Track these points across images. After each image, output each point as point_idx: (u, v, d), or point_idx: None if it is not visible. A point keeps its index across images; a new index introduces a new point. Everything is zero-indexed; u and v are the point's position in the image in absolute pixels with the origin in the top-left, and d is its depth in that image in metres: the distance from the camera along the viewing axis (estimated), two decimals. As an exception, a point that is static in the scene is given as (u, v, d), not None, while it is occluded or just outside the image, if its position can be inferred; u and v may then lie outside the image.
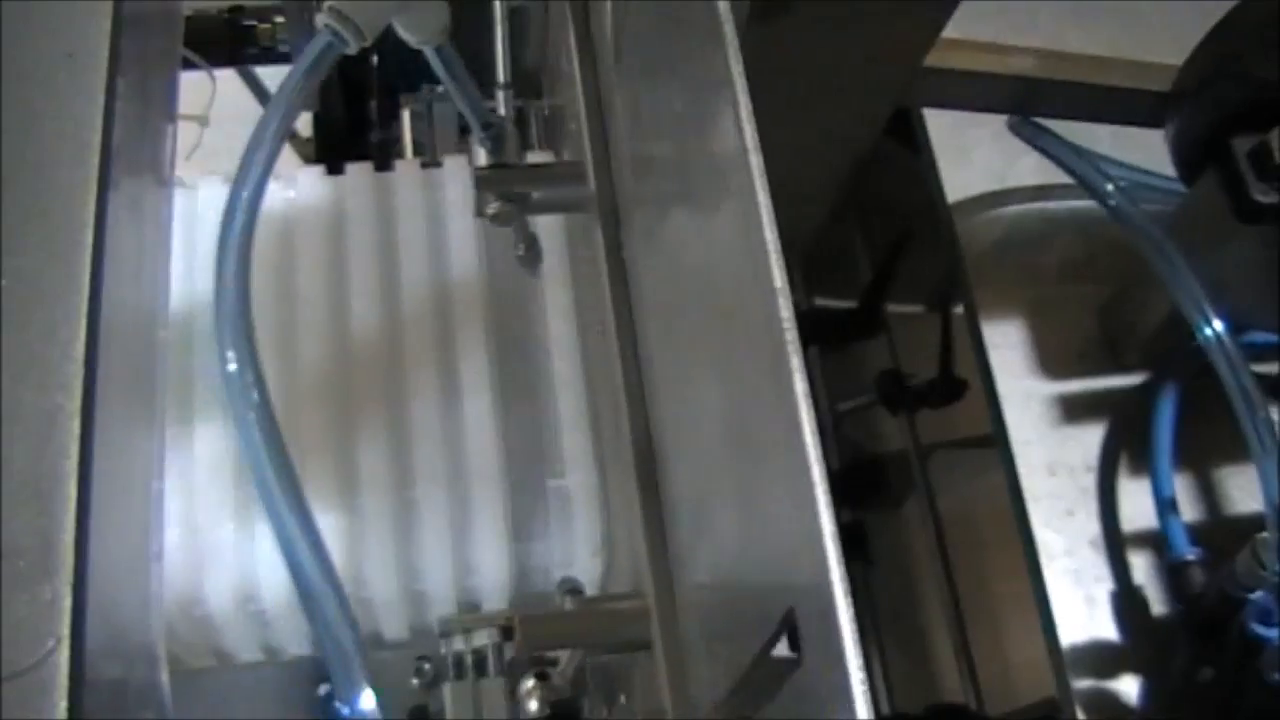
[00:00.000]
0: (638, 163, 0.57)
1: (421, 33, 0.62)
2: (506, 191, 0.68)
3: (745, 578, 0.44)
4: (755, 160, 0.38)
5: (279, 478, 0.50)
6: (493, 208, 0.69)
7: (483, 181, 0.69)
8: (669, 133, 0.50)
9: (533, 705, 0.57)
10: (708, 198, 0.44)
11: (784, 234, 0.37)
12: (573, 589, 0.63)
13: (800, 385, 0.36)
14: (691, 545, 0.52)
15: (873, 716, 0.33)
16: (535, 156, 0.84)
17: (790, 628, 0.38)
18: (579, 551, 0.76)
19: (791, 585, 0.38)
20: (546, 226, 0.80)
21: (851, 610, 0.34)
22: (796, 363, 0.36)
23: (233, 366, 0.51)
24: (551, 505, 0.76)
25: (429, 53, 0.65)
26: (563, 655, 0.62)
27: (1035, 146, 0.83)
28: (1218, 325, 0.67)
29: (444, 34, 0.63)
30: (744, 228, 0.38)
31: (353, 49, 0.56)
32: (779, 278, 0.36)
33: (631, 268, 0.60)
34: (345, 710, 0.49)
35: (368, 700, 0.48)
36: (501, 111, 0.78)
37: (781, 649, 0.39)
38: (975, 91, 0.81)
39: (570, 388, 0.77)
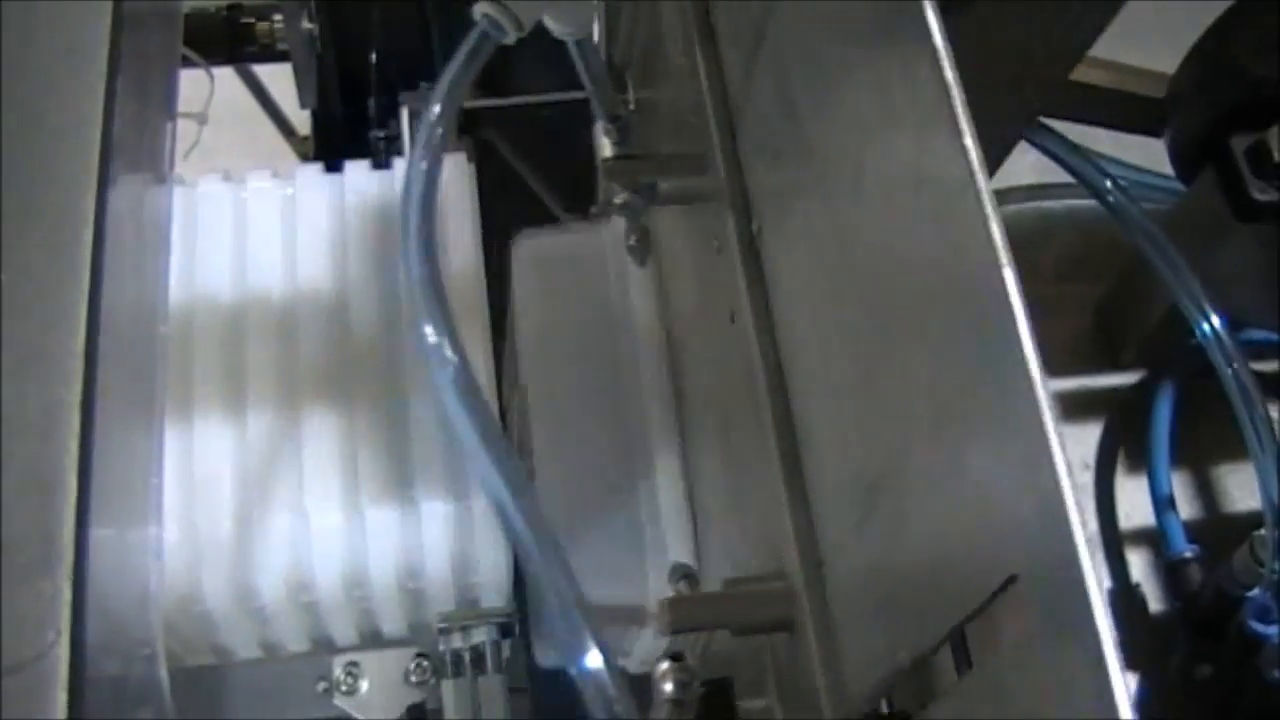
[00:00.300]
0: (786, 154, 0.57)
1: (571, 25, 0.63)
2: (633, 182, 0.69)
3: (940, 554, 0.44)
4: (970, 143, 0.39)
5: (487, 444, 0.50)
6: (620, 198, 0.69)
7: (610, 172, 0.70)
8: (838, 121, 0.50)
9: (668, 687, 0.57)
10: (900, 182, 0.44)
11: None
12: (686, 574, 0.64)
13: (1034, 357, 0.36)
14: (853, 526, 0.52)
15: (1125, 685, 0.33)
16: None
17: (1013, 594, 0.38)
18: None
19: (1014, 557, 0.38)
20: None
21: (1096, 576, 0.34)
22: (1027, 333, 0.36)
23: (431, 339, 0.52)
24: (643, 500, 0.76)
25: (570, 44, 0.66)
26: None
27: (1033, 143, 0.83)
28: (1216, 322, 0.67)
29: (591, 25, 0.64)
30: (955, 208, 0.39)
31: (510, 39, 0.57)
32: (1004, 253, 0.37)
33: (766, 255, 0.61)
34: (572, 670, 0.48)
35: (594, 659, 0.48)
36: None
37: (1000, 619, 0.39)
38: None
39: (656, 389, 0.78)
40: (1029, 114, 0.72)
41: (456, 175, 0.86)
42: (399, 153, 0.97)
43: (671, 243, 0.80)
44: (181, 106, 0.78)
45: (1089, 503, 0.74)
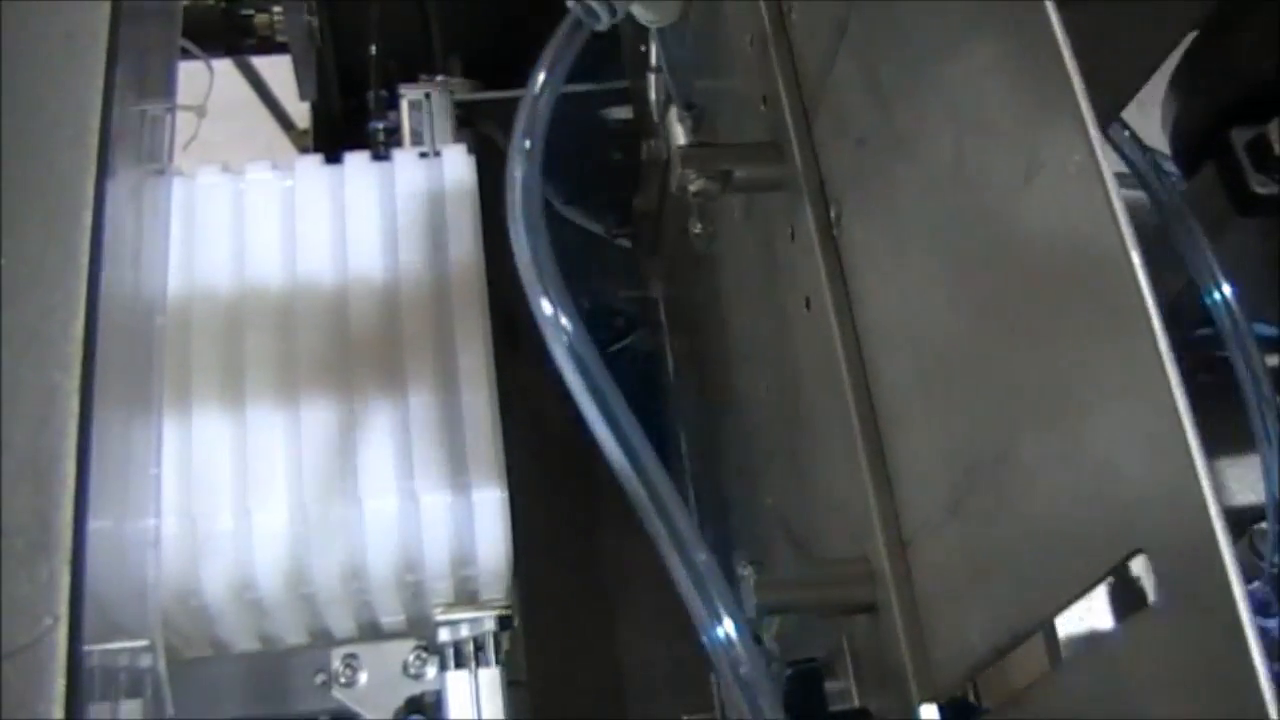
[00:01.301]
0: (872, 141, 0.58)
1: (659, 14, 0.64)
2: (709, 170, 0.69)
3: (1054, 533, 0.44)
4: (1094, 131, 0.39)
5: (607, 411, 0.51)
6: (696, 185, 0.70)
7: (686, 160, 0.70)
8: (936, 109, 0.51)
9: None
10: (1011, 169, 0.45)
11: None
12: (754, 560, 0.64)
13: (1162, 336, 0.37)
14: (947, 509, 0.52)
15: (1269, 664, 0.33)
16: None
17: (1137, 568, 0.38)
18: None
19: (1140, 532, 0.38)
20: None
21: (1234, 551, 0.34)
22: (1155, 312, 0.37)
23: (548, 310, 0.54)
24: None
25: (654, 31, 0.67)
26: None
27: None
28: (1228, 291, 0.66)
29: (677, 13, 0.65)
30: (1077, 195, 0.40)
31: (603, 25, 0.59)
32: (1130, 235, 0.38)
33: (843, 241, 0.61)
34: (705, 640, 0.49)
35: (729, 628, 0.48)
36: (652, 96, 0.82)
37: (1119, 592, 0.39)
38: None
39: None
40: (1116, 109, 0.73)
41: (457, 168, 0.86)
42: (398, 144, 0.97)
43: (733, 234, 0.81)
44: (180, 99, 0.78)
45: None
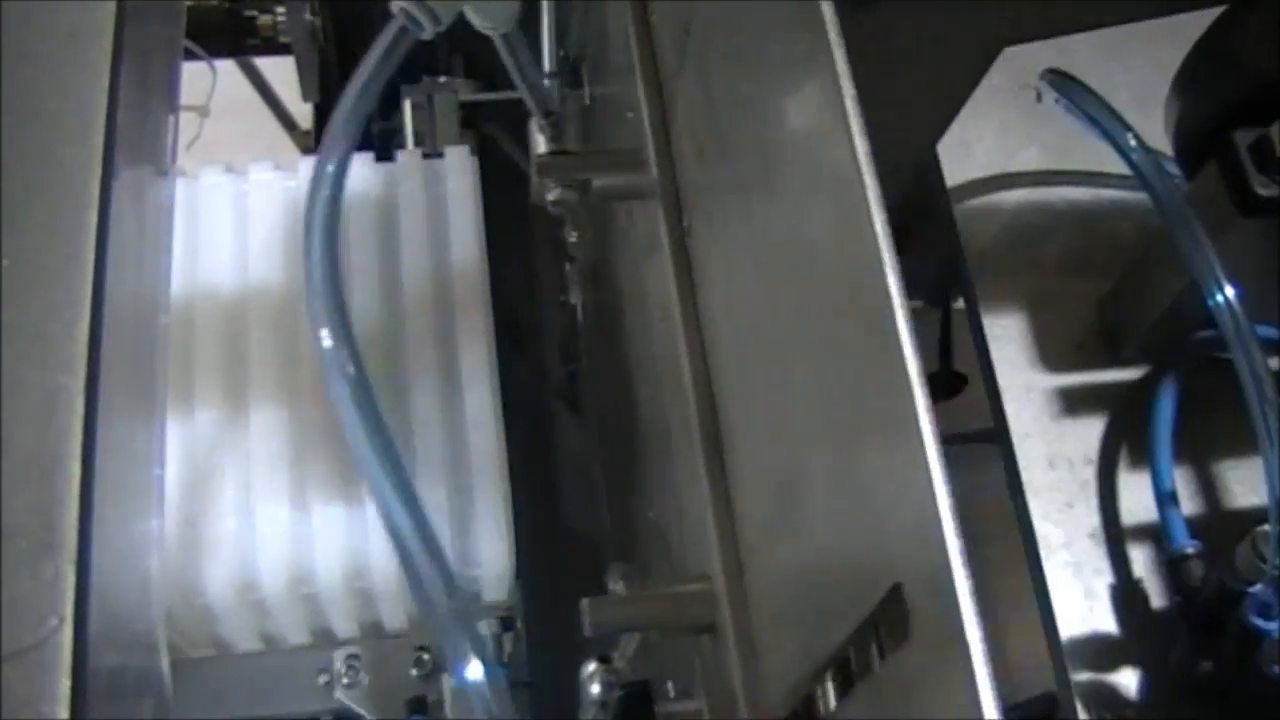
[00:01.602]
0: (708, 151, 0.57)
1: (493, 19, 0.63)
2: (567, 178, 0.68)
3: (839, 558, 0.44)
4: (861, 145, 0.38)
5: (377, 451, 0.50)
6: (554, 194, 0.69)
7: (544, 168, 0.69)
8: (750, 120, 0.50)
9: (595, 689, 0.58)
10: (798, 181, 0.44)
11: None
12: (625, 574, 0.64)
13: (913, 362, 0.36)
14: (769, 529, 0.51)
15: (995, 688, 0.33)
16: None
17: (898, 602, 0.38)
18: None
19: (898, 562, 0.38)
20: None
21: (971, 584, 0.34)
22: (907, 337, 0.36)
23: (327, 343, 0.51)
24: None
25: (496, 39, 0.65)
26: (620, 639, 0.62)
27: (1059, 96, 0.81)
28: (1231, 294, 0.66)
29: (513, 21, 0.63)
30: (846, 210, 0.39)
31: (428, 34, 0.56)
32: (888, 256, 0.37)
33: (695, 254, 0.61)
34: (452, 680, 0.49)
35: (475, 670, 0.48)
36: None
37: (886, 625, 0.39)
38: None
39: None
40: (967, 84, 0.71)
41: (460, 169, 0.86)
42: (401, 145, 0.97)
43: (619, 242, 0.80)
44: (183, 99, 0.78)
45: (1091, 498, 0.74)
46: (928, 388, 0.36)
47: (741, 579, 0.54)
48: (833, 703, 0.46)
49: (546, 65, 0.76)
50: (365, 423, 0.50)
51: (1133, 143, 0.74)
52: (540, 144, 0.74)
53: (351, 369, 0.51)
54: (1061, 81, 0.81)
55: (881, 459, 0.39)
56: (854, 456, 0.41)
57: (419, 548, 0.50)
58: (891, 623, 0.39)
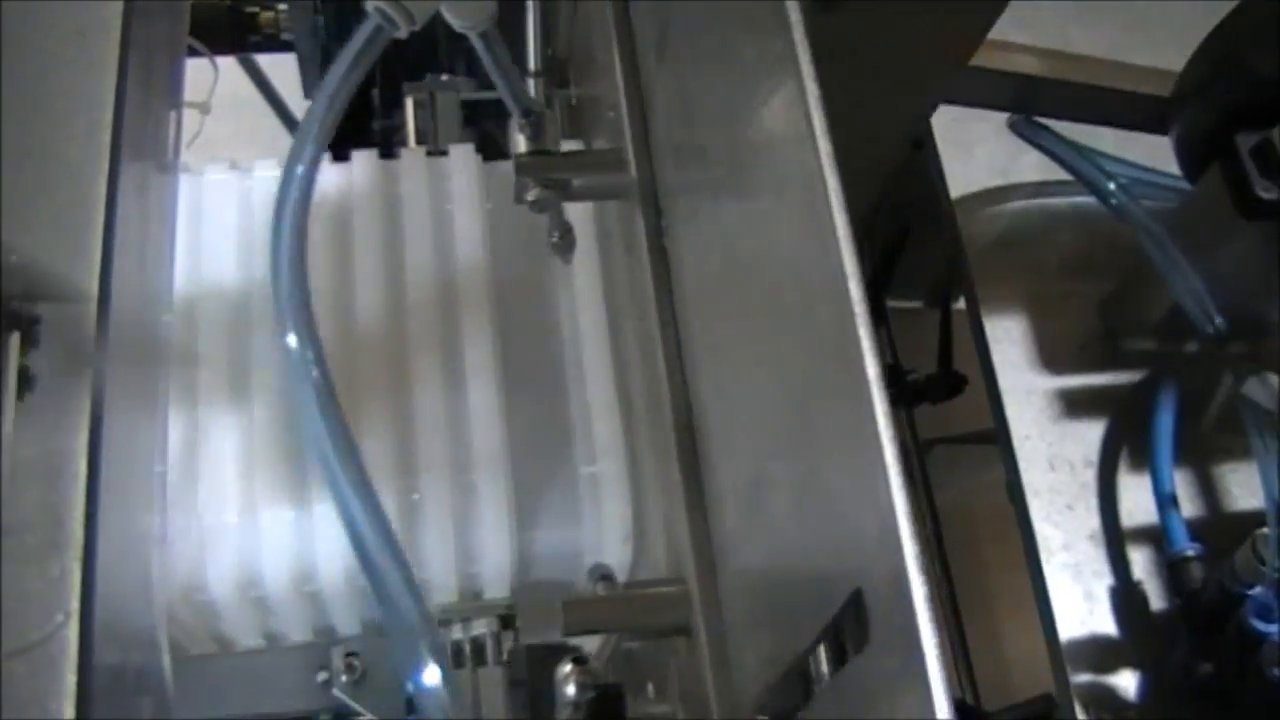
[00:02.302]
0: (683, 151, 0.57)
1: (468, 18, 0.62)
2: (546, 178, 0.68)
3: (804, 562, 0.44)
4: (825, 145, 0.38)
5: (339, 453, 0.50)
6: (533, 194, 0.68)
7: (523, 167, 0.69)
8: (722, 121, 0.50)
9: (570, 690, 0.57)
10: (766, 182, 0.44)
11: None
12: (604, 575, 0.64)
13: (872, 367, 0.36)
14: (741, 531, 0.52)
15: (949, 692, 0.33)
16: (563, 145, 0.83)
17: (858, 607, 0.38)
18: (609, 538, 0.76)
19: (858, 567, 0.38)
20: (575, 214, 0.80)
21: (927, 590, 0.34)
22: (868, 344, 0.36)
23: (293, 343, 0.51)
24: (583, 492, 0.76)
25: (474, 38, 0.65)
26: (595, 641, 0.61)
27: (1035, 145, 0.84)
28: (1219, 322, 0.67)
29: (490, 20, 0.63)
30: (810, 212, 0.39)
31: (402, 33, 0.56)
32: (849, 261, 0.37)
33: (673, 254, 0.61)
34: (409, 685, 0.49)
35: (432, 675, 0.48)
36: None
37: (847, 630, 0.39)
38: (977, 87, 0.82)
39: (600, 375, 0.77)
40: (934, 96, 0.72)
41: (465, 166, 0.86)
42: (403, 143, 0.97)
43: (607, 240, 0.80)
44: (185, 96, 0.78)
45: (1091, 500, 0.75)
46: (887, 393, 0.36)
47: (715, 581, 0.54)
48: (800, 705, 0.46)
49: (532, 64, 0.76)
50: (329, 428, 0.50)
51: (1109, 185, 0.75)
52: (520, 143, 0.74)
53: (316, 372, 0.50)
54: (1029, 128, 0.83)
55: (843, 463, 0.39)
56: (818, 461, 0.41)
57: (380, 548, 0.50)
58: (851, 628, 0.40)
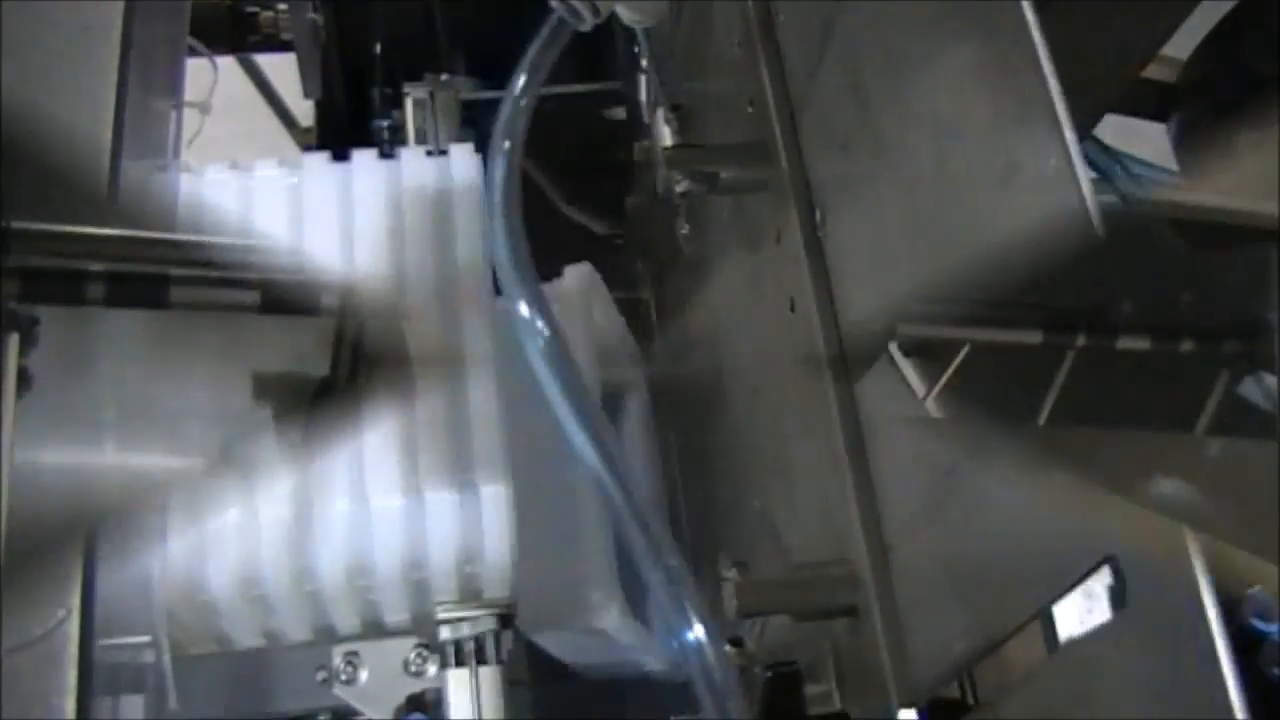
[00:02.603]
0: (855, 145, 0.58)
1: (644, 14, 0.65)
2: (695, 170, 0.69)
3: (1026, 536, 0.45)
4: (1070, 135, 0.39)
5: (579, 411, 0.52)
6: (682, 186, 0.70)
7: (671, 160, 0.70)
8: (917, 114, 0.51)
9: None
10: (986, 176, 0.45)
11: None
12: (738, 563, 0.64)
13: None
14: (928, 511, 0.53)
15: (1234, 664, 0.34)
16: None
17: (1117, 572, 0.39)
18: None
19: (1110, 536, 0.39)
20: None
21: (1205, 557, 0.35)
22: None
23: (525, 312, 0.56)
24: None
25: (639, 32, 0.67)
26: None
27: None
28: None
29: (662, 14, 0.66)
30: (1054, 201, 0.40)
31: (587, 25, 0.59)
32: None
33: (826, 244, 0.62)
34: (674, 643, 0.49)
35: (698, 631, 0.48)
36: (642, 96, 0.84)
37: (1094, 600, 0.40)
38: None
39: None
40: (1097, 112, 0.73)
41: (464, 166, 0.86)
42: (403, 143, 0.97)
43: (721, 235, 0.81)
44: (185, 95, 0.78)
45: (1092, 498, 0.75)
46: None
47: (887, 562, 0.55)
48: (1006, 680, 0.48)
49: (644, 61, 0.78)
50: (562, 382, 0.54)
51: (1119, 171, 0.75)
52: (666, 136, 0.76)
53: (547, 330, 0.55)
54: None
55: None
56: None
57: (624, 504, 0.51)
58: (1097, 596, 0.40)
